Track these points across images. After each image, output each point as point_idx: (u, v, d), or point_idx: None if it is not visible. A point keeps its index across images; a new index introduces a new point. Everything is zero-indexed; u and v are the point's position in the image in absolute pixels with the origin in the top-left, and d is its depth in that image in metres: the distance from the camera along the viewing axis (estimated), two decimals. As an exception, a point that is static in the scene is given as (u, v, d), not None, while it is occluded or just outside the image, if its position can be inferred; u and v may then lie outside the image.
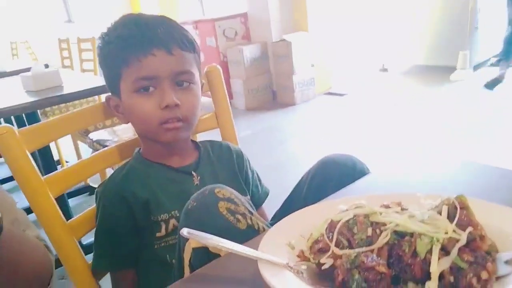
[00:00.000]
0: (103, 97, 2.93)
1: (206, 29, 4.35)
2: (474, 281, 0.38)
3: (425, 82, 4.27)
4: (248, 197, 0.92)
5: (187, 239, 0.62)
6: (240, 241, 0.57)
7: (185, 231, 0.48)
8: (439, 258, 0.40)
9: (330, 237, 0.46)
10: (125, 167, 0.86)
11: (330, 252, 0.44)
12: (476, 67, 4.32)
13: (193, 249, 0.61)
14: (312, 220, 0.52)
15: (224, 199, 0.63)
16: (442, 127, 2.97)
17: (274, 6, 4.08)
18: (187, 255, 0.62)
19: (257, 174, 0.99)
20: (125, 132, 2.06)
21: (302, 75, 4.08)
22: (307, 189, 0.84)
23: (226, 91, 1.03)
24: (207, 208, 0.63)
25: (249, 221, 0.63)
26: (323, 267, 0.44)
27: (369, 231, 0.44)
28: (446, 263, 0.39)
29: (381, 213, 0.46)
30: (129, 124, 0.85)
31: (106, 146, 2.11)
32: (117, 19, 0.82)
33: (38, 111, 2.15)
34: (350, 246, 0.45)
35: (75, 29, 5.53)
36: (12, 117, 2.41)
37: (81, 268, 0.83)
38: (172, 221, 0.81)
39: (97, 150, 2.25)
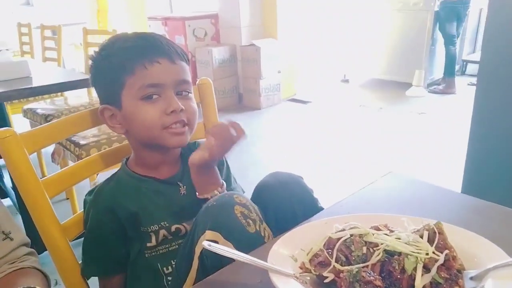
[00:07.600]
0: (67, 93, 2.84)
1: (176, 27, 4.35)
2: (449, 294, 0.48)
3: (382, 95, 4.51)
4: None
5: (202, 232, 0.69)
6: (247, 243, 0.66)
7: (206, 244, 0.54)
8: (422, 275, 0.49)
9: (330, 252, 0.54)
10: (113, 178, 0.88)
11: (331, 267, 0.52)
12: (430, 85, 4.63)
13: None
14: (310, 235, 0.60)
15: (240, 204, 0.72)
16: (391, 141, 3.18)
17: (245, 11, 4.16)
18: (199, 248, 0.70)
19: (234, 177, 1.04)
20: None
21: (268, 80, 4.18)
22: None
23: (216, 104, 1.09)
24: (224, 208, 0.71)
25: (257, 227, 0.71)
26: (325, 280, 0.52)
27: (364, 249, 0.53)
28: (427, 278, 0.49)
29: (373, 234, 0.54)
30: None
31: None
32: (107, 40, 0.85)
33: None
34: (348, 262, 0.53)
35: (34, 13, 5.31)
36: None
37: (72, 269, 0.86)
38: (162, 232, 0.84)
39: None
